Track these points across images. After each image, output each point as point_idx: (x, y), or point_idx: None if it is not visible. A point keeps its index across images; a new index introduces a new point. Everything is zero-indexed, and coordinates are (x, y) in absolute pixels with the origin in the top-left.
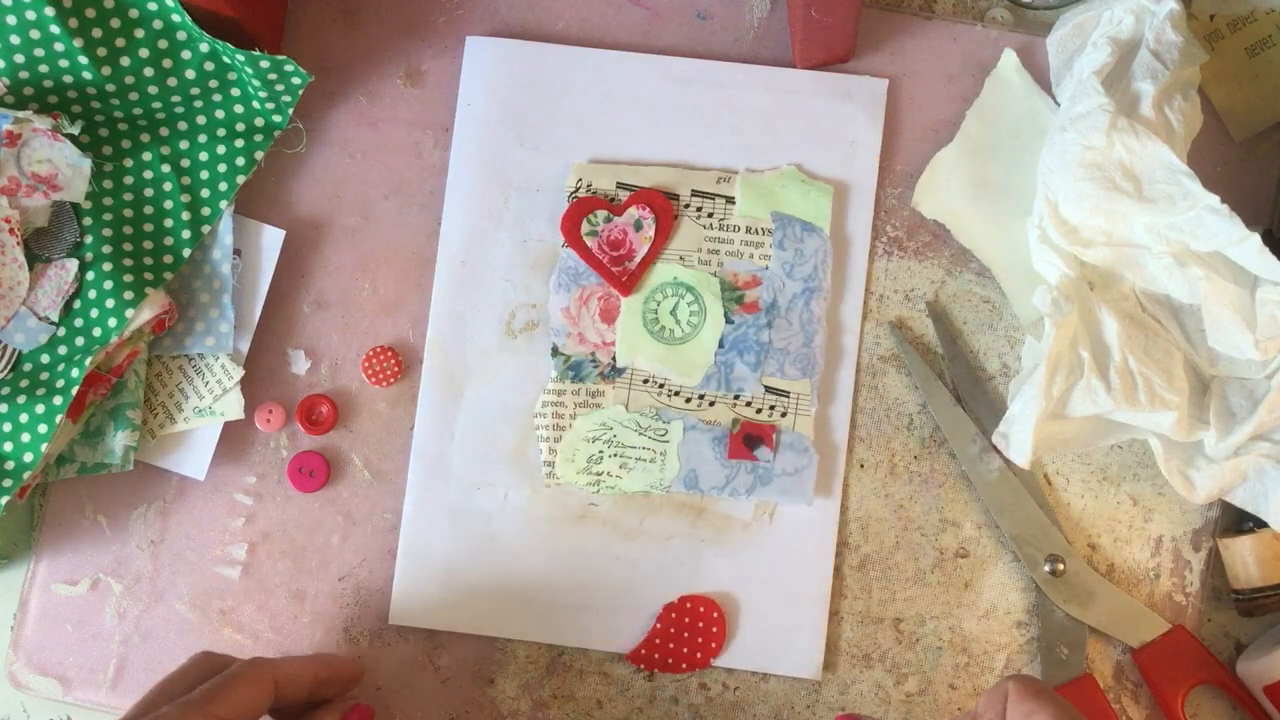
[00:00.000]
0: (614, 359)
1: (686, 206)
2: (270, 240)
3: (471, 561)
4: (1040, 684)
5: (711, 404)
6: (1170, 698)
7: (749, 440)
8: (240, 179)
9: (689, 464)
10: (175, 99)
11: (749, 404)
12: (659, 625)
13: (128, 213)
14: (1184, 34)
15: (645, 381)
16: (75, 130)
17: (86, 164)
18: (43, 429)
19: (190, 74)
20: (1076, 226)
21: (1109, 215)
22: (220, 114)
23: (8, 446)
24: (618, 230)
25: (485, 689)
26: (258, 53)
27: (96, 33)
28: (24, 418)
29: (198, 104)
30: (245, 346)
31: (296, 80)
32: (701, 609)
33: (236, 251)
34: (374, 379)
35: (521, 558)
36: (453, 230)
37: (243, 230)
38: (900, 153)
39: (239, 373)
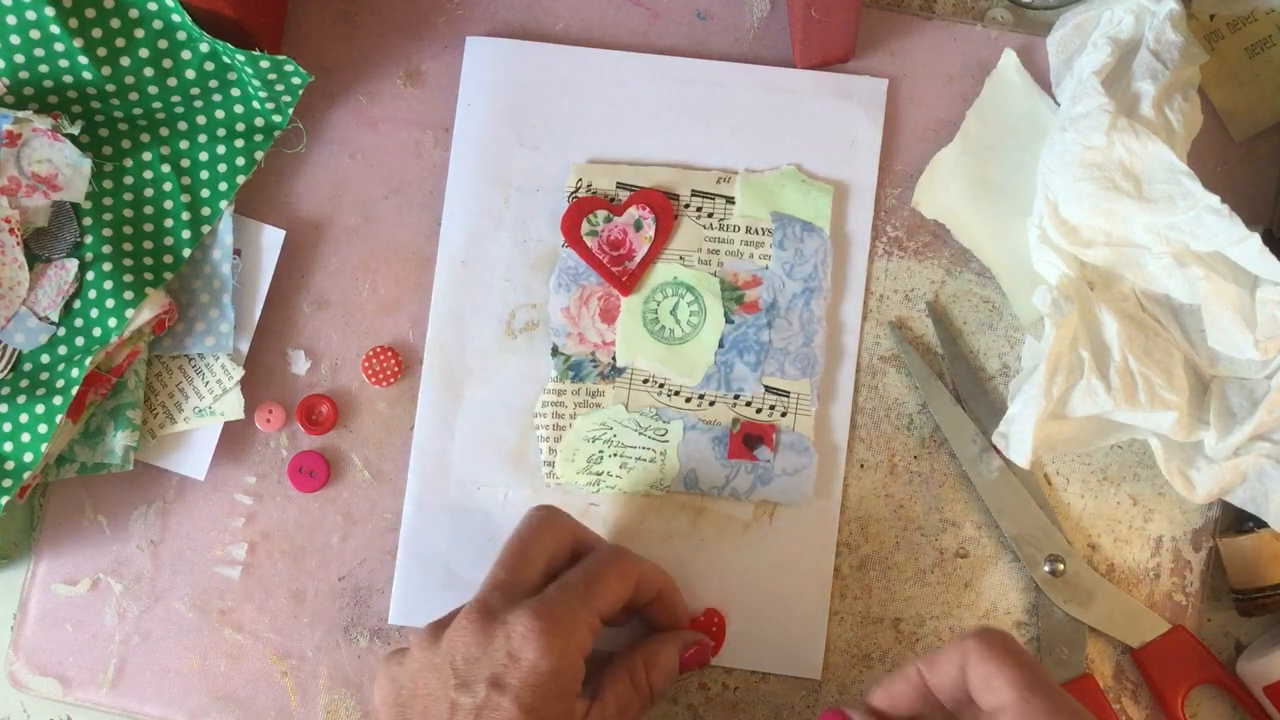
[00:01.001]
0: (614, 359)
1: (686, 206)
2: (270, 240)
3: (471, 561)
4: (1005, 642)
5: (711, 404)
6: (1170, 698)
7: (749, 440)
8: (240, 179)
9: (689, 464)
10: (175, 99)
11: (749, 404)
12: None
13: (128, 213)
14: (1184, 34)
15: (645, 381)
16: (75, 130)
17: (86, 164)
18: (43, 429)
19: (190, 74)
20: (1076, 226)
21: (1109, 215)
22: (220, 114)
23: (8, 446)
24: (618, 230)
25: None
26: (258, 53)
27: (96, 33)
28: (24, 418)
29: (198, 104)
30: (245, 346)
31: (296, 80)
32: (701, 618)
33: (237, 251)
34: (374, 379)
35: None
36: (453, 230)
37: (243, 230)
38: (900, 153)
39: (239, 373)
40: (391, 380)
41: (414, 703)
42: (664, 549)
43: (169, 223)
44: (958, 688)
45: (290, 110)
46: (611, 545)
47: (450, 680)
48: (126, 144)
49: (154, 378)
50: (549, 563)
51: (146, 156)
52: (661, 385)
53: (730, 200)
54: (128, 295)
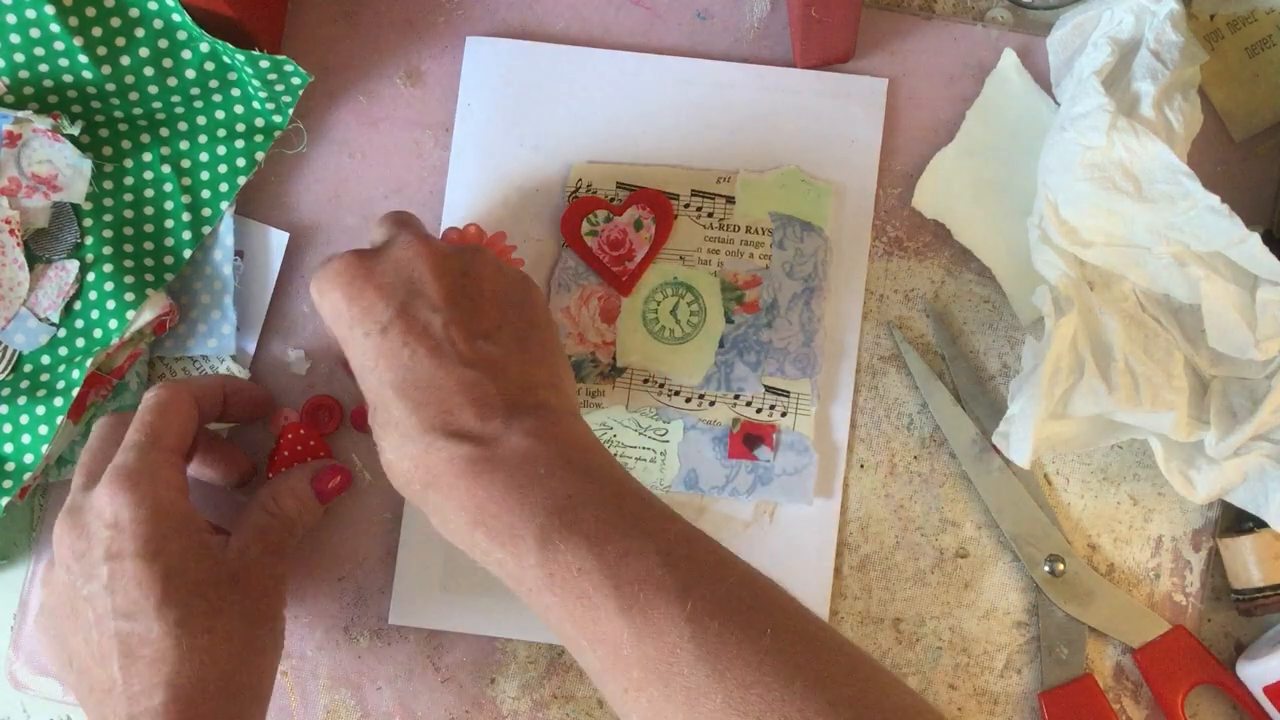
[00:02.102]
0: (614, 359)
1: (686, 206)
2: (275, 243)
3: (471, 562)
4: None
5: (711, 404)
6: (1170, 698)
7: (749, 440)
8: (241, 179)
9: (689, 464)
10: (175, 99)
11: (749, 404)
12: None
13: (128, 213)
14: (1184, 34)
15: (645, 381)
16: (75, 130)
17: (86, 164)
18: (43, 430)
19: (190, 74)
20: (1076, 226)
21: (1109, 215)
22: (220, 114)
23: (8, 448)
24: (618, 230)
25: (485, 689)
26: (258, 53)
27: (96, 32)
28: (24, 419)
29: (198, 104)
30: (252, 348)
31: (296, 80)
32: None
33: (239, 253)
34: None
35: None
36: None
37: (247, 233)
38: (900, 153)
39: (244, 374)
40: None
41: (65, 624)
42: None
43: (169, 223)
44: None
45: (290, 110)
46: (158, 384)
47: (75, 584)
48: (126, 144)
49: (155, 379)
50: (116, 449)
51: (146, 157)
52: (661, 385)
53: (730, 200)
54: (128, 296)
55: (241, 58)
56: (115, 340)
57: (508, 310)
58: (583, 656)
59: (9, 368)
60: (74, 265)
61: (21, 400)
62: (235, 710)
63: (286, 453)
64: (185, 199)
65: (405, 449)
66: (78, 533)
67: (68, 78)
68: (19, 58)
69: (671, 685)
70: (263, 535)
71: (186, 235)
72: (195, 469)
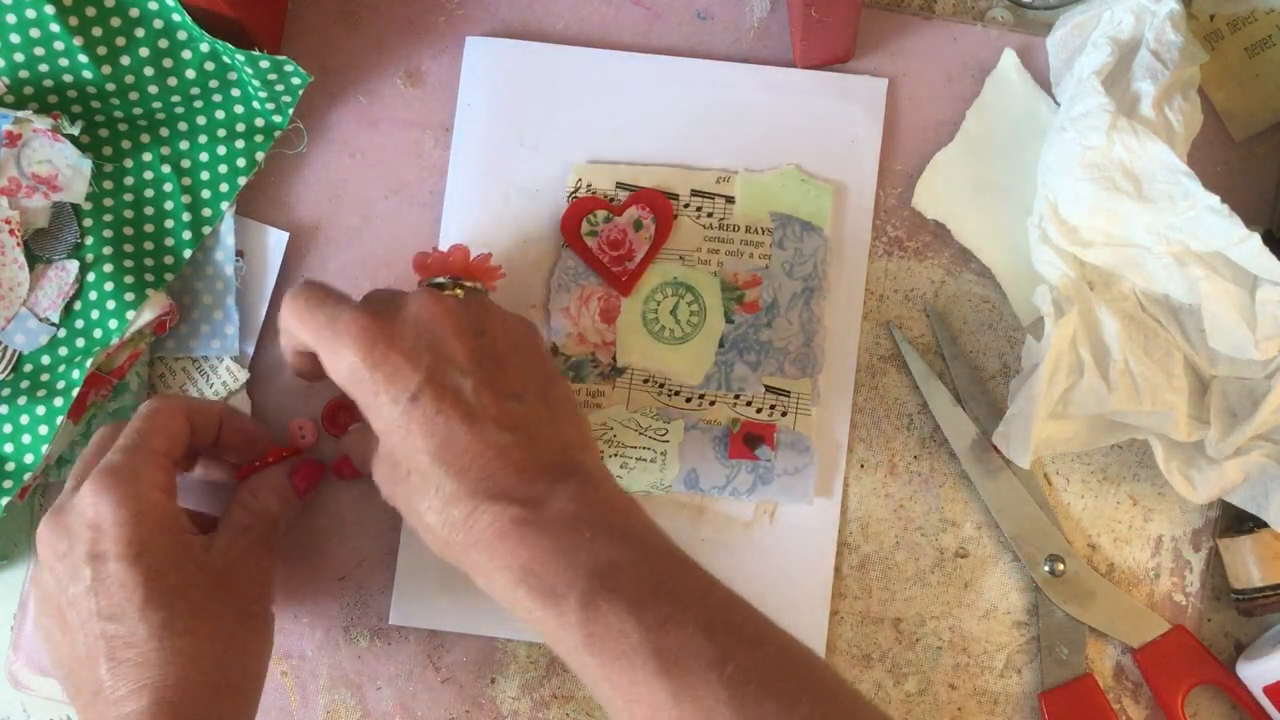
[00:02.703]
0: (614, 359)
1: (686, 206)
2: (274, 242)
3: None
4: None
5: (712, 404)
6: (1170, 698)
7: (749, 440)
8: (241, 179)
9: (689, 464)
10: (175, 99)
11: (749, 403)
12: None
13: (128, 213)
14: (1184, 34)
15: (645, 381)
16: (75, 130)
17: (86, 164)
18: (43, 430)
19: (190, 74)
20: (1076, 226)
21: (1109, 215)
22: (220, 114)
23: (8, 448)
24: (617, 230)
25: (485, 689)
26: (258, 53)
27: (96, 32)
28: (25, 419)
29: (198, 104)
30: (251, 349)
31: (296, 80)
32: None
33: (239, 253)
34: None
35: None
36: (453, 230)
37: (246, 233)
38: (900, 153)
39: (245, 375)
40: None
41: (54, 625)
42: None
43: (169, 223)
44: None
45: (290, 110)
46: (154, 396)
47: (59, 586)
48: (126, 144)
49: (156, 379)
50: (169, 445)
51: (146, 157)
52: (661, 385)
53: (730, 200)
54: (128, 296)
55: (241, 58)
56: (115, 340)
57: (525, 367)
58: (618, 717)
59: (9, 368)
60: (74, 265)
61: (21, 400)
62: (222, 711)
63: (270, 459)
64: (185, 199)
65: (448, 513)
66: (60, 533)
67: (68, 78)
68: (19, 58)
69: None
70: (245, 533)
71: (186, 235)
72: (206, 466)
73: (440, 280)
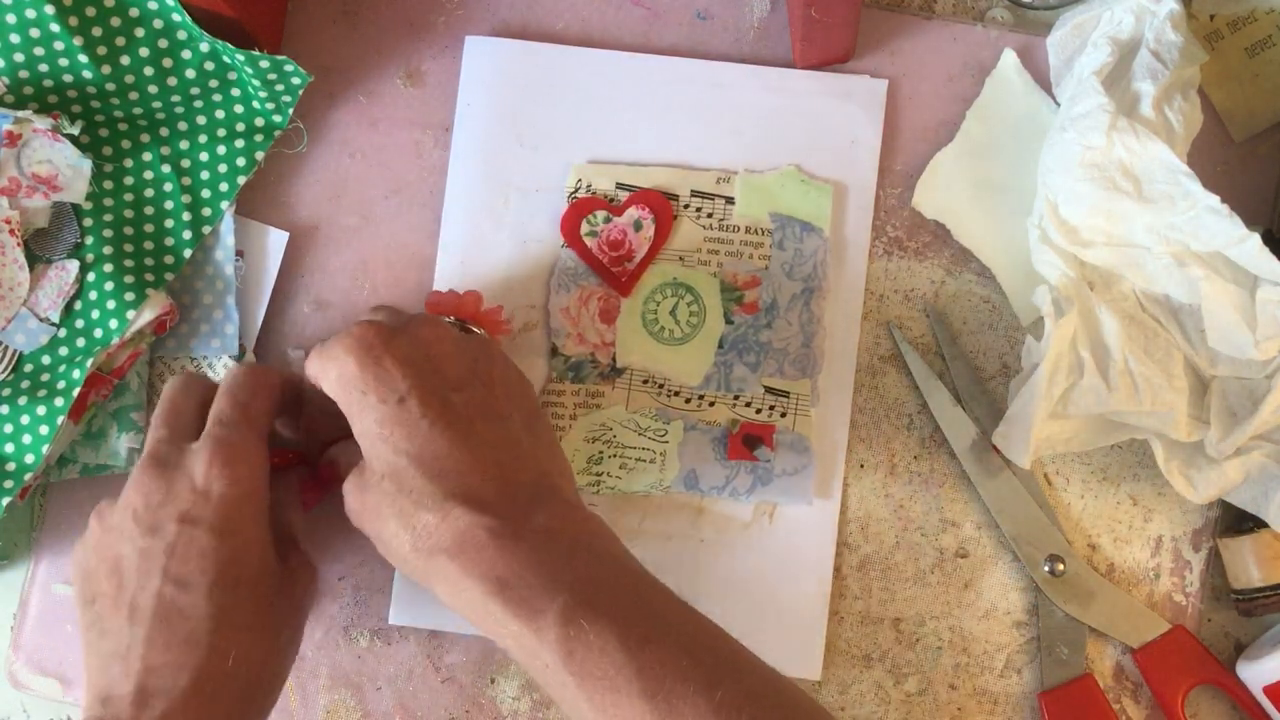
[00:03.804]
0: (614, 359)
1: (686, 207)
2: (274, 242)
3: None
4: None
5: (711, 404)
6: (1170, 698)
7: (749, 440)
8: (241, 179)
9: (689, 464)
10: (175, 99)
11: (749, 404)
12: None
13: (128, 213)
14: (1184, 34)
15: (645, 382)
16: (75, 130)
17: (86, 164)
18: (44, 430)
19: (190, 74)
20: (1076, 226)
21: (1109, 215)
22: (220, 114)
23: (9, 448)
24: (617, 230)
25: (486, 689)
26: (258, 53)
27: (96, 32)
28: (25, 419)
29: (198, 104)
30: (250, 348)
31: (296, 80)
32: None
33: (239, 253)
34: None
35: None
36: (453, 230)
37: (246, 232)
38: (900, 153)
39: None
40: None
41: (101, 565)
42: (664, 549)
43: (169, 223)
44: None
45: (290, 110)
46: (261, 366)
47: (134, 531)
48: (126, 144)
49: (156, 378)
50: (200, 409)
51: (146, 156)
52: (661, 385)
53: (730, 200)
54: (129, 296)
55: (241, 58)
56: (115, 340)
57: (513, 398)
58: None
59: (9, 368)
60: (74, 265)
61: (22, 400)
62: (248, 710)
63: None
64: (185, 199)
65: (418, 517)
66: (160, 484)
67: (68, 78)
68: (19, 58)
69: None
70: (296, 540)
71: (187, 235)
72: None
73: (449, 320)
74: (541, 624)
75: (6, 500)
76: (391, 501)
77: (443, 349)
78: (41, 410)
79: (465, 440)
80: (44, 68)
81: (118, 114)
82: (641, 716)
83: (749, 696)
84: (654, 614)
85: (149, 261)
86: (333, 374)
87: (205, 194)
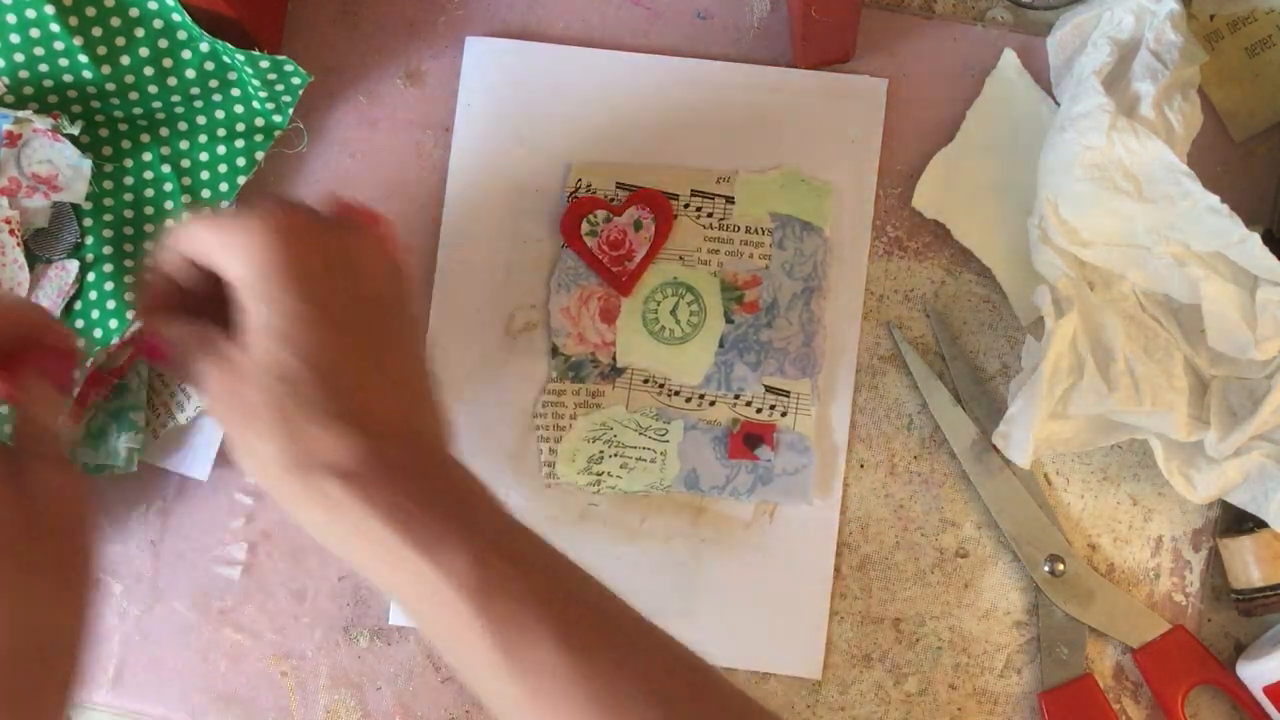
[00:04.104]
0: (614, 359)
1: (686, 206)
2: None
3: None
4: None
5: (712, 404)
6: (1170, 698)
7: (749, 440)
8: (241, 179)
9: (689, 464)
10: (175, 99)
11: (749, 404)
12: None
13: (128, 213)
14: (1184, 34)
15: (645, 381)
16: (75, 130)
17: (86, 164)
18: None
19: (190, 74)
20: (1076, 226)
21: (1109, 215)
22: (220, 114)
23: None
24: (617, 230)
25: None
26: (258, 53)
27: (96, 32)
28: None
29: (198, 104)
30: None
31: (296, 80)
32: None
33: None
34: None
35: None
36: (453, 230)
37: None
38: (900, 153)
39: None
40: None
41: None
42: (664, 549)
43: (170, 223)
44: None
45: (290, 110)
46: None
47: None
48: (126, 144)
49: (155, 378)
50: None
51: (146, 156)
52: (661, 385)
53: (730, 200)
54: (128, 296)
55: (241, 58)
56: (115, 340)
57: (420, 346)
58: (507, 687)
59: None
60: (74, 265)
61: None
62: (29, 681)
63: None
64: (185, 199)
65: (306, 430)
66: None
67: (68, 78)
68: (19, 58)
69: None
70: (46, 459)
71: None
72: None
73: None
74: (448, 560)
75: None
76: (277, 405)
77: (373, 267)
78: None
79: (377, 365)
80: (44, 68)
81: (118, 114)
82: (555, 662)
83: (666, 657)
84: (564, 570)
85: (149, 261)
86: (248, 254)
87: (205, 194)
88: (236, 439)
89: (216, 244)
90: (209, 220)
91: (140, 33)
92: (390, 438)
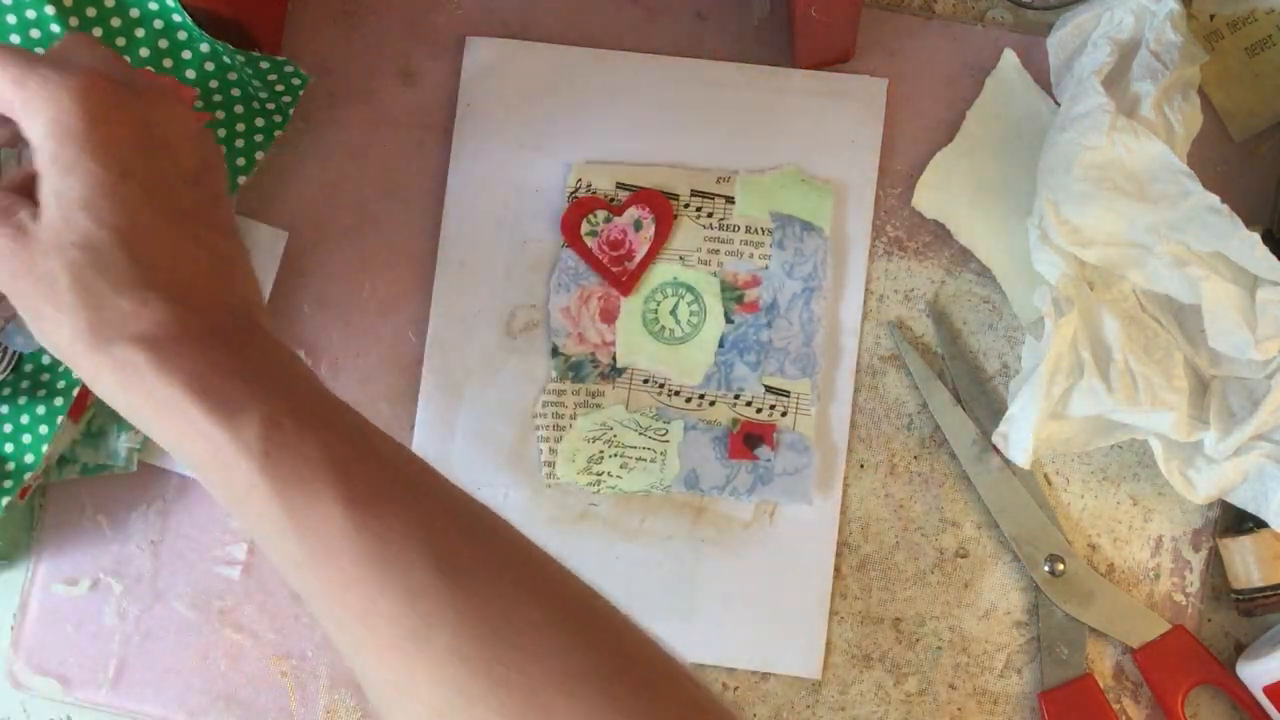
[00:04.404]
0: (614, 359)
1: (686, 206)
2: (273, 241)
3: None
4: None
5: (712, 404)
6: (1170, 698)
7: (749, 440)
8: (241, 179)
9: (689, 464)
10: None
11: (749, 404)
12: None
13: None
14: (1184, 34)
15: (645, 381)
16: None
17: None
18: (44, 430)
19: (190, 74)
20: (1076, 226)
21: (1109, 215)
22: (220, 114)
23: (9, 448)
24: (617, 230)
25: None
26: (258, 53)
27: (96, 32)
28: (25, 419)
29: (198, 104)
30: None
31: (296, 81)
32: None
33: None
34: None
35: None
36: (453, 230)
37: (246, 232)
38: (900, 153)
39: None
40: None
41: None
42: (664, 549)
43: None
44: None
45: (290, 110)
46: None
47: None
48: None
49: None
50: None
51: None
52: (661, 385)
53: (730, 200)
54: None
55: (241, 58)
56: None
57: (231, 219)
58: (293, 552)
59: (9, 368)
60: None
61: (22, 400)
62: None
63: None
64: None
65: (110, 300)
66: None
67: None
68: None
69: (387, 578)
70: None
71: None
72: None
73: None
74: (240, 423)
75: (6, 500)
76: (77, 274)
77: (181, 136)
78: (41, 410)
79: (186, 234)
80: None
81: None
82: (340, 524)
83: (455, 516)
84: (361, 435)
85: None
86: (45, 116)
87: None
88: (32, 313)
89: (17, 101)
90: (8, 69)
91: (140, 33)
92: (197, 307)
